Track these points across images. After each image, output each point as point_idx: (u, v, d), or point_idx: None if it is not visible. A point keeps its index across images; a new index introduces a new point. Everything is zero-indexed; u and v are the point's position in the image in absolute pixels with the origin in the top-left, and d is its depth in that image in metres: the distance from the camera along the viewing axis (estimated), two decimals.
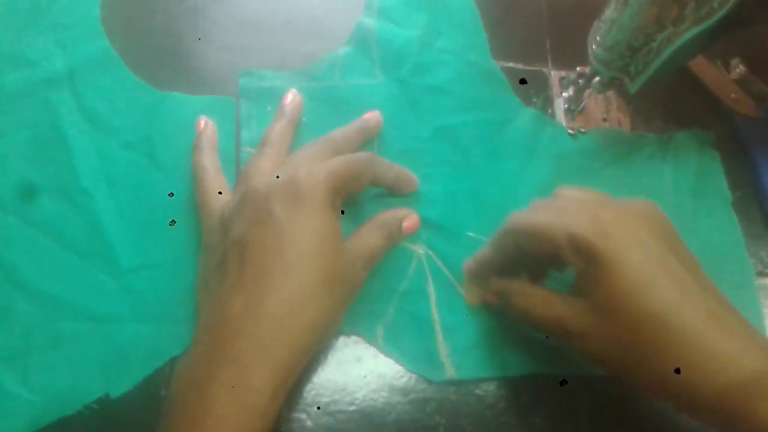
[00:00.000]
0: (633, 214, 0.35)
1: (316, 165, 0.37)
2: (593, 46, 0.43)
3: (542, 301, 0.36)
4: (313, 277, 0.34)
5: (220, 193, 0.40)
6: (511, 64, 0.51)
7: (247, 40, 0.48)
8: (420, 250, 0.43)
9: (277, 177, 0.36)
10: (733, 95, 0.53)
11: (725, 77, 0.54)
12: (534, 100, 0.51)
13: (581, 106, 0.49)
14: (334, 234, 0.36)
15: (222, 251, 0.36)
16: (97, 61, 0.45)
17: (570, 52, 0.52)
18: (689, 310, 0.32)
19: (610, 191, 0.40)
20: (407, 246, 0.43)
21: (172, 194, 0.42)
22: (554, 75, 0.51)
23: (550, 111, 0.50)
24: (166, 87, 0.45)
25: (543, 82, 0.51)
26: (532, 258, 0.38)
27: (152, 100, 0.44)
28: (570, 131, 0.49)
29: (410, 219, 0.42)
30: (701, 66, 0.54)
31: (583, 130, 0.49)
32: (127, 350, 0.38)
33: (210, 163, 0.41)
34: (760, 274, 0.47)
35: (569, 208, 0.36)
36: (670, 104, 0.53)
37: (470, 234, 0.44)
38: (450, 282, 0.42)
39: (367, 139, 0.44)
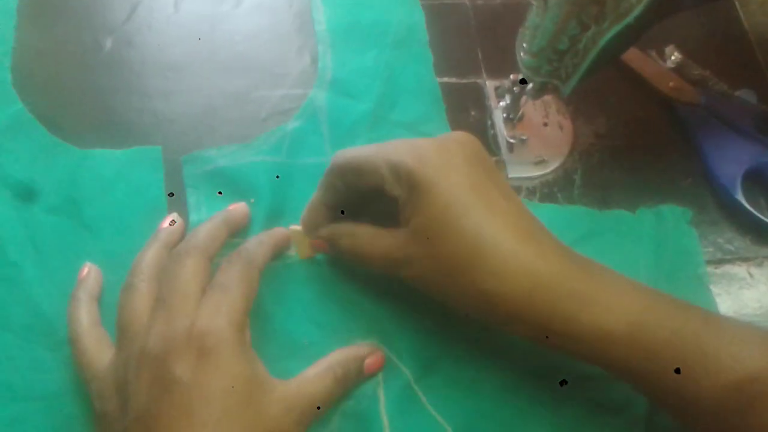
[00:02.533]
0: (449, 140, 0.36)
1: (210, 308, 0.32)
2: (521, 54, 0.42)
3: (369, 238, 0.37)
4: None
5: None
6: (446, 79, 0.50)
7: (169, 84, 0.47)
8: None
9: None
10: (671, 84, 0.52)
11: (662, 67, 0.53)
12: (472, 112, 0.49)
13: (519, 113, 0.48)
14: (252, 387, 0.32)
15: (123, 426, 0.31)
16: (11, 126, 0.43)
17: (502, 61, 0.51)
18: (501, 228, 0.33)
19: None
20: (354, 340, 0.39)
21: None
22: (489, 85, 0.50)
23: (489, 122, 0.49)
24: (88, 143, 0.43)
25: (479, 94, 0.50)
26: (359, 195, 0.38)
27: (73, 160, 0.42)
28: (511, 140, 0.47)
29: (374, 356, 0.38)
30: (637, 58, 0.53)
31: (524, 137, 0.48)
32: (72, 428, 0.35)
33: (86, 315, 0.36)
34: (719, 261, 0.46)
35: (391, 142, 0.36)
36: (610, 101, 0.52)
37: (428, 323, 0.40)
38: (405, 378, 0.38)
39: (234, 232, 0.40)
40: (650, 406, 0.39)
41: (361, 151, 0.37)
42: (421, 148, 0.35)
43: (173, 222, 0.40)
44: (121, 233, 0.40)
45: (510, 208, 0.34)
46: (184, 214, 0.41)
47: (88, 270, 0.38)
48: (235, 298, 0.33)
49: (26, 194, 0.41)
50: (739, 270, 0.46)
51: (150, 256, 0.37)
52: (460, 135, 0.37)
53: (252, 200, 0.42)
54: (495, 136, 0.48)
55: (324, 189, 0.39)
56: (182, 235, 0.40)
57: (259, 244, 0.37)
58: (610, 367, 0.33)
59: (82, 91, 0.45)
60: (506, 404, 0.38)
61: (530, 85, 0.44)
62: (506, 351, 0.40)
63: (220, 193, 0.42)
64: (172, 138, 0.44)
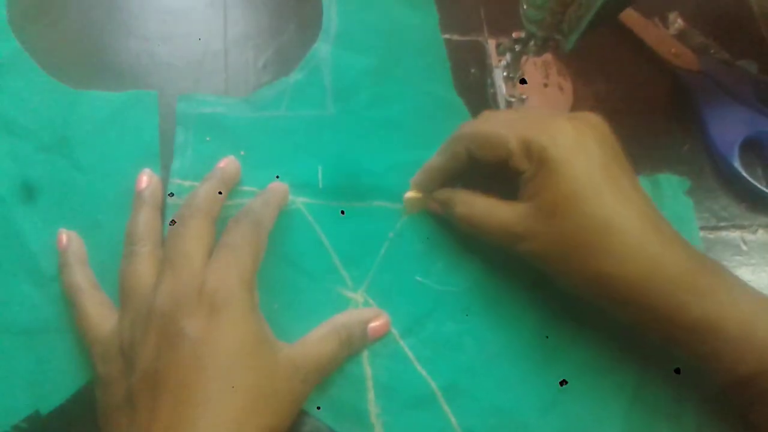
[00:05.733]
0: (581, 122, 0.35)
1: (220, 267, 0.31)
2: (524, 7, 0.40)
3: (486, 208, 0.36)
4: (242, 400, 0.29)
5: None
6: (447, 36, 0.48)
7: (167, 28, 0.44)
8: (359, 297, 0.38)
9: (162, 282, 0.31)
10: (673, 50, 0.50)
11: (664, 33, 0.51)
12: (472, 70, 0.47)
13: (519, 72, 0.46)
14: (261, 345, 0.31)
15: (127, 386, 0.30)
16: (6, 64, 0.41)
17: (505, 19, 0.49)
18: (629, 215, 0.33)
19: None
20: (344, 293, 0.38)
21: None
22: (491, 43, 0.48)
23: (489, 80, 0.47)
24: (83, 84, 0.41)
25: (481, 52, 0.48)
26: (481, 165, 0.37)
27: (68, 100, 0.40)
28: (510, 99, 0.46)
29: (379, 320, 0.36)
30: (639, 23, 0.51)
31: (524, 96, 0.46)
32: (56, 363, 0.34)
33: (83, 280, 0.34)
34: (714, 227, 0.45)
35: (521, 117, 0.36)
36: (610, 64, 0.50)
37: (418, 279, 0.39)
38: (391, 333, 0.37)
39: (231, 188, 0.38)
40: (639, 374, 0.38)
41: (490, 123, 0.36)
42: (555, 126, 0.34)
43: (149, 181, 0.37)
44: (112, 175, 0.38)
45: (638, 196, 0.34)
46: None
47: (67, 236, 0.36)
48: (245, 258, 0.32)
49: (18, 131, 0.39)
50: (733, 237, 0.45)
51: (142, 220, 0.35)
52: (592, 117, 0.36)
53: (242, 152, 0.40)
54: (494, 94, 0.46)
55: (445, 155, 0.38)
56: (162, 190, 0.38)
57: (265, 204, 0.36)
58: (710, 360, 0.32)
59: (79, 32, 0.43)
60: (492, 362, 0.37)
61: (532, 42, 0.42)
62: (493, 309, 0.39)
63: (208, 138, 0.40)
64: (168, 82, 0.42)
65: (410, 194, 0.40)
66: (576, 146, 0.33)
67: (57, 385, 0.33)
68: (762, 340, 0.31)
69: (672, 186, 0.45)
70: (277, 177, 0.40)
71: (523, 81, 0.46)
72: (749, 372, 0.32)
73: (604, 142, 0.35)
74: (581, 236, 0.33)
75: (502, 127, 0.35)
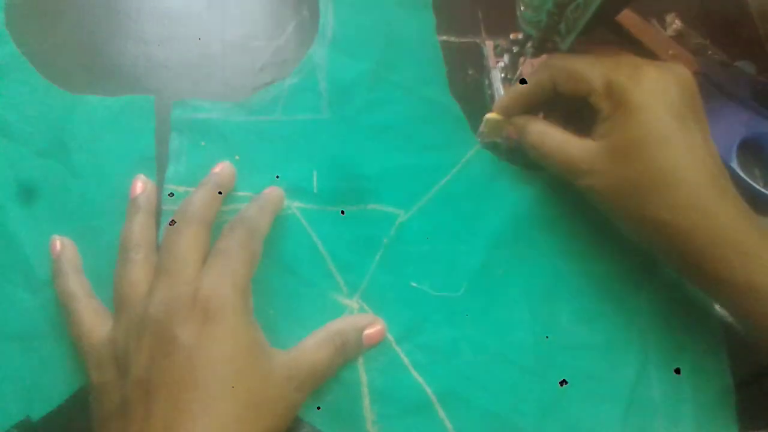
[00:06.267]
0: (669, 71, 0.35)
1: (214, 273, 0.31)
2: (521, 8, 0.40)
3: (558, 140, 0.37)
4: (236, 407, 0.29)
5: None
6: (444, 38, 0.47)
7: (165, 31, 0.44)
8: (355, 304, 0.37)
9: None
10: (671, 51, 0.50)
11: (662, 34, 0.51)
12: (470, 72, 0.47)
13: (517, 73, 0.45)
14: (255, 352, 0.30)
15: (121, 393, 0.29)
16: (4, 68, 0.40)
17: (503, 20, 0.48)
18: (696, 170, 0.33)
19: (568, 241, 0.40)
20: (339, 299, 0.37)
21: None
22: (488, 44, 0.48)
23: (487, 82, 0.47)
24: (81, 87, 0.40)
25: (478, 54, 0.48)
26: (563, 97, 0.37)
27: (65, 104, 0.39)
28: None
29: (374, 327, 0.36)
30: (637, 25, 0.50)
31: None
32: (48, 368, 0.33)
33: (77, 287, 0.34)
34: None
35: (610, 55, 0.36)
36: None
37: (414, 284, 0.38)
38: (386, 340, 0.36)
39: (226, 193, 0.37)
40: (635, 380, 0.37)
41: (580, 58, 0.37)
42: (641, 70, 0.35)
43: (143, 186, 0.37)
44: (108, 180, 0.38)
45: (707, 151, 0.34)
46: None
47: (61, 243, 0.35)
48: (239, 265, 0.31)
49: (15, 135, 0.38)
50: None
51: (137, 227, 0.35)
52: (679, 68, 0.36)
53: (237, 157, 0.40)
54: (492, 95, 0.46)
55: (531, 82, 0.39)
56: (157, 196, 0.37)
57: (260, 210, 0.35)
58: (749, 318, 0.33)
59: (76, 35, 0.42)
60: (488, 367, 0.37)
61: (529, 43, 0.42)
62: (488, 315, 0.38)
63: (203, 143, 0.40)
64: (166, 84, 0.42)
65: (491, 115, 0.41)
66: (657, 93, 0.34)
67: (48, 390, 0.33)
68: None
69: None
70: (277, 177, 0.40)
71: (523, 81, 0.45)
72: None
73: (686, 92, 0.35)
74: (643, 181, 0.33)
75: (589, 63, 0.36)
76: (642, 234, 0.35)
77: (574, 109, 0.38)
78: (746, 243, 0.32)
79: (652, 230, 0.34)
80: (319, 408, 0.34)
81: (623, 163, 0.34)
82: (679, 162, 0.33)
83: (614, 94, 0.34)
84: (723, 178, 0.34)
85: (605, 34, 0.50)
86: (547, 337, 0.38)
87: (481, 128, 0.41)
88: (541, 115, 0.41)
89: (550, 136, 0.38)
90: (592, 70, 0.35)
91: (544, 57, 0.46)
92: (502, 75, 0.46)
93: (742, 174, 0.45)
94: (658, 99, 0.34)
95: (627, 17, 0.50)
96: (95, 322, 0.32)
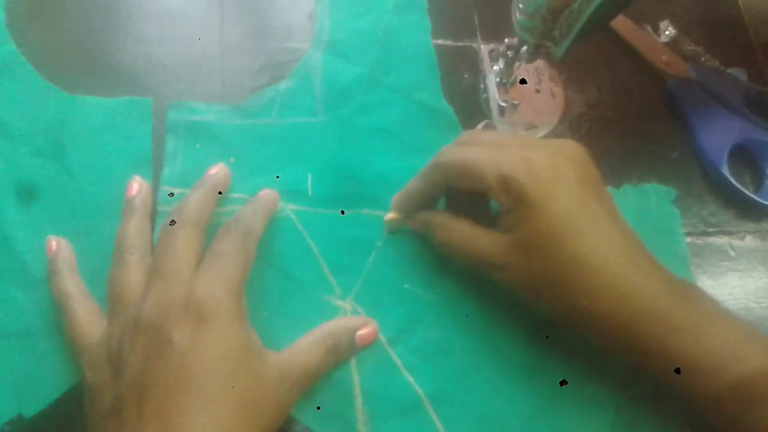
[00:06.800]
0: (561, 155, 0.34)
1: (208, 276, 0.30)
2: (517, 14, 0.39)
3: (465, 235, 0.35)
4: (229, 409, 0.28)
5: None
6: (440, 42, 0.47)
7: (164, 31, 0.43)
8: (348, 305, 0.37)
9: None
10: (664, 57, 0.50)
11: (655, 41, 0.51)
12: (465, 75, 0.47)
13: (512, 78, 0.45)
14: (248, 354, 0.30)
15: (115, 394, 0.29)
16: (2, 67, 0.40)
17: (498, 25, 0.48)
18: (606, 252, 0.32)
19: None
20: (332, 301, 0.37)
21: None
22: (484, 49, 0.48)
23: (482, 86, 0.46)
24: (80, 87, 0.40)
25: (473, 57, 0.48)
26: (459, 192, 0.36)
27: (63, 105, 0.39)
28: (502, 104, 0.45)
29: (366, 328, 0.36)
30: (631, 31, 0.50)
31: (516, 102, 0.45)
32: (41, 367, 0.33)
33: (73, 287, 0.33)
34: (702, 233, 0.45)
35: (499, 147, 0.34)
36: (602, 71, 0.49)
37: (406, 286, 0.38)
38: (378, 341, 0.36)
39: (222, 195, 0.37)
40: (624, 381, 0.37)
41: (469, 154, 0.35)
42: (534, 162, 0.33)
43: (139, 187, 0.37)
44: (104, 181, 0.37)
45: (616, 231, 0.33)
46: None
47: (57, 243, 0.35)
48: (233, 267, 0.31)
49: (13, 134, 0.38)
50: (721, 243, 0.45)
51: (132, 228, 0.35)
52: (572, 148, 0.35)
53: (232, 159, 0.39)
54: (487, 99, 0.46)
55: (424, 180, 0.37)
56: (152, 197, 0.37)
57: (254, 213, 0.35)
58: (684, 390, 0.32)
59: (76, 34, 0.42)
60: (479, 369, 0.37)
61: (524, 48, 0.42)
62: (480, 317, 0.38)
63: (197, 146, 0.40)
64: (165, 84, 0.41)
65: (391, 215, 0.39)
66: (555, 183, 0.32)
67: (41, 388, 0.33)
68: (735, 375, 0.30)
69: (659, 195, 0.44)
70: (277, 177, 0.39)
71: (523, 81, 0.45)
72: (720, 408, 0.31)
73: (584, 175, 0.34)
74: (557, 273, 0.32)
75: (480, 158, 0.34)
76: (566, 321, 0.34)
77: (474, 197, 0.37)
78: (674, 319, 0.31)
79: (575, 318, 0.33)
80: (318, 408, 0.34)
81: (534, 258, 0.32)
82: (593, 250, 0.32)
83: (510, 191, 0.32)
84: (640, 253, 0.33)
85: (599, 40, 0.50)
86: (547, 336, 0.38)
87: (385, 228, 0.40)
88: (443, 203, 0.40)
89: (456, 231, 0.36)
90: (484, 167, 0.33)
91: (539, 62, 0.46)
92: (498, 79, 0.46)
93: (732, 180, 0.45)
94: (556, 188, 0.32)
95: (621, 23, 0.50)
96: (90, 322, 0.32)
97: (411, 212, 0.39)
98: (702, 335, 0.31)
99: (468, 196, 0.36)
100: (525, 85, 0.46)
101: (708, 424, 0.33)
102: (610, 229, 0.33)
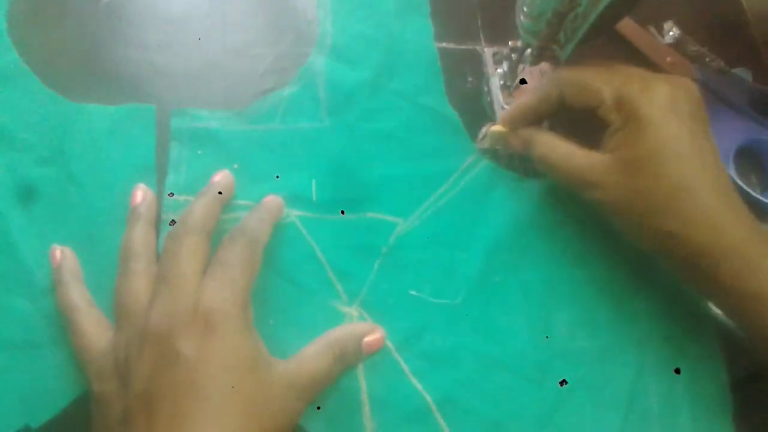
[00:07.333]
0: (678, 87, 0.35)
1: (214, 285, 0.30)
2: (521, 17, 0.39)
3: (567, 152, 0.36)
4: (237, 419, 0.28)
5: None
6: (444, 45, 0.47)
7: (167, 37, 0.43)
8: (354, 311, 0.37)
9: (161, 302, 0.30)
10: (669, 59, 0.49)
11: (659, 42, 0.50)
12: (469, 78, 0.46)
13: (516, 81, 0.45)
14: (255, 364, 0.30)
15: (123, 405, 0.29)
16: (5, 76, 0.39)
17: (502, 27, 0.47)
18: (709, 186, 0.33)
19: (565, 248, 0.39)
20: (338, 307, 0.37)
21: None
22: (488, 52, 0.47)
23: (486, 89, 0.46)
24: (83, 94, 0.40)
25: (477, 60, 0.47)
26: (570, 110, 0.37)
27: (66, 113, 0.39)
28: (506, 107, 0.44)
29: (373, 335, 0.35)
30: (635, 32, 0.50)
31: None
32: (47, 377, 0.33)
33: (78, 297, 0.33)
34: None
35: (618, 68, 0.36)
36: None
37: (413, 292, 0.38)
38: (386, 347, 0.36)
39: (225, 202, 0.37)
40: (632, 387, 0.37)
41: (587, 70, 0.36)
42: (651, 84, 0.34)
43: (143, 195, 0.36)
44: (108, 189, 0.37)
45: (716, 164, 0.34)
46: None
47: (61, 252, 0.35)
48: (239, 276, 0.31)
49: (16, 143, 0.38)
50: None
51: (137, 237, 0.34)
52: (689, 83, 0.35)
53: (236, 166, 0.39)
54: (491, 102, 0.45)
55: (538, 95, 0.38)
56: (157, 205, 0.37)
57: (260, 221, 0.34)
58: (754, 325, 0.33)
59: (78, 42, 0.42)
60: (487, 375, 0.36)
61: (528, 51, 0.41)
62: (488, 323, 0.37)
63: (200, 152, 0.39)
64: (167, 91, 0.41)
65: (496, 128, 0.39)
66: (669, 108, 0.33)
67: (49, 398, 0.33)
68: None
69: None
70: (277, 177, 0.39)
71: (523, 81, 0.44)
72: None
73: (695, 107, 0.34)
74: (655, 195, 0.33)
75: (598, 75, 0.35)
76: (651, 245, 0.35)
77: (580, 119, 0.37)
78: (757, 255, 0.32)
79: (663, 242, 0.34)
80: (318, 408, 0.34)
81: (635, 177, 0.33)
82: (693, 178, 0.33)
83: (625, 108, 0.34)
84: (733, 192, 0.34)
85: (603, 42, 0.49)
86: (547, 337, 0.37)
87: (481, 137, 0.40)
88: (546, 125, 0.40)
89: (557, 148, 0.37)
90: (602, 83, 0.35)
91: (543, 65, 0.46)
92: (501, 82, 0.45)
93: (738, 181, 0.45)
94: (670, 114, 0.33)
95: (625, 25, 0.50)
96: (96, 332, 0.32)
97: (517, 126, 0.39)
98: None
99: (575, 120, 0.37)
100: (528, 87, 0.46)
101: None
102: (713, 165, 0.33)
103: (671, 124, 0.33)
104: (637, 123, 0.33)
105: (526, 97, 0.39)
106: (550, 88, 0.37)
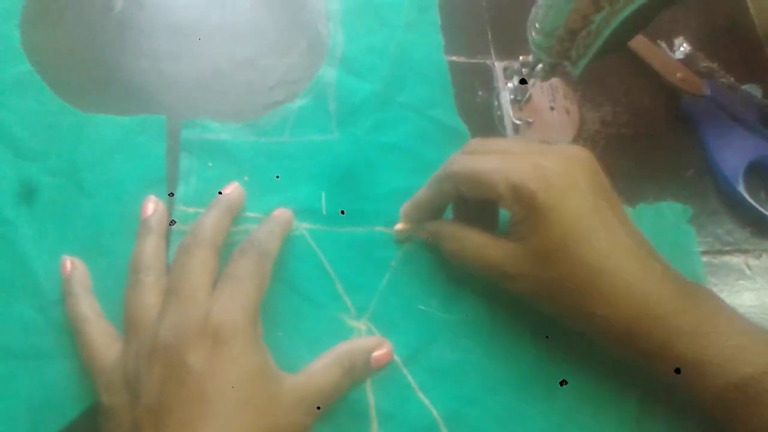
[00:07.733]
0: (571, 160, 0.34)
1: (224, 298, 0.30)
2: (533, 33, 0.39)
3: (476, 245, 0.35)
4: None
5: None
6: (454, 58, 0.47)
7: (178, 48, 0.43)
8: (363, 325, 0.36)
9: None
10: (679, 74, 0.49)
11: (670, 57, 0.50)
12: (479, 92, 0.46)
13: (527, 95, 0.44)
14: (264, 378, 0.30)
15: (132, 418, 0.28)
16: (18, 86, 0.39)
17: (512, 42, 0.47)
18: (619, 257, 0.32)
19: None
20: (347, 321, 0.36)
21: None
22: (498, 66, 0.47)
23: (496, 103, 0.46)
24: (94, 104, 0.40)
25: (487, 74, 0.47)
26: (467, 200, 0.36)
27: (77, 123, 0.39)
28: (517, 122, 0.44)
29: (382, 349, 0.33)
30: (646, 47, 0.50)
31: (530, 120, 0.45)
32: (56, 389, 0.32)
33: (88, 309, 0.33)
34: (718, 252, 0.44)
35: (510, 155, 0.34)
36: (617, 89, 0.49)
37: (421, 308, 0.37)
38: (394, 362, 0.35)
39: (235, 215, 0.36)
40: (640, 404, 0.37)
41: (479, 163, 0.34)
42: (545, 169, 0.32)
43: (155, 207, 0.36)
44: (118, 199, 0.37)
45: (627, 234, 0.33)
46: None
47: (71, 263, 0.35)
48: (249, 290, 0.31)
49: (27, 153, 0.37)
50: (737, 261, 0.44)
51: (148, 249, 0.34)
52: (581, 153, 0.34)
53: (246, 178, 0.39)
54: (501, 117, 0.45)
55: (433, 190, 0.37)
56: (167, 216, 0.37)
57: (270, 234, 0.34)
58: (699, 394, 0.32)
59: (90, 52, 0.42)
60: (495, 391, 0.36)
61: (539, 66, 0.41)
62: (496, 338, 0.37)
63: (210, 164, 0.39)
64: (178, 101, 0.41)
65: (400, 226, 0.39)
66: (567, 190, 0.32)
67: (57, 410, 0.32)
68: (739, 375, 0.30)
69: (675, 214, 0.44)
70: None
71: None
72: (726, 408, 0.31)
73: (594, 180, 0.33)
74: (572, 280, 0.32)
75: (491, 167, 0.33)
76: (583, 327, 0.34)
77: (485, 205, 0.37)
78: (685, 323, 0.31)
79: (591, 324, 0.33)
80: (318, 408, 0.33)
81: (550, 267, 0.32)
82: (607, 255, 0.32)
83: (523, 199, 0.32)
84: (651, 257, 0.33)
85: (614, 56, 0.49)
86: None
87: (395, 238, 0.39)
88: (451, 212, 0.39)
89: (466, 240, 0.36)
90: (495, 176, 0.33)
91: (554, 80, 0.46)
92: (512, 97, 0.45)
93: (748, 198, 0.44)
94: (568, 193, 0.32)
95: (635, 40, 0.50)
96: (106, 344, 0.32)
97: (420, 222, 0.38)
98: (706, 336, 0.31)
99: (476, 203, 0.36)
100: (539, 102, 0.46)
101: (718, 425, 0.32)
102: (622, 235, 0.33)
103: (572, 204, 0.32)
104: (537, 212, 0.32)
105: (422, 191, 0.38)
106: (445, 185, 0.35)
